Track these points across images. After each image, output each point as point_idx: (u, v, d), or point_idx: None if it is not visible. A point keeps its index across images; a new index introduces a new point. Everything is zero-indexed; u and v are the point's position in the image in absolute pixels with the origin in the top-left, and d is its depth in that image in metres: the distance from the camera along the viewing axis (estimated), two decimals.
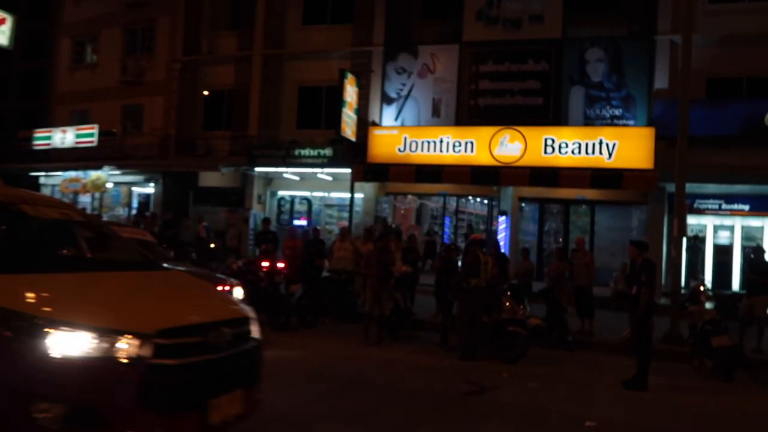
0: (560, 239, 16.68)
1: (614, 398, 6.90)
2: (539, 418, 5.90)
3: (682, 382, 7.87)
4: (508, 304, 8.75)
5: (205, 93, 20.83)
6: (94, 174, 20.42)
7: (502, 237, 16.10)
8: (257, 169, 18.50)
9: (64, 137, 21.38)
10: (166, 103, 21.08)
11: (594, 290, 10.73)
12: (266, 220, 14.22)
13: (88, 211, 21.02)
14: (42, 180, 23.21)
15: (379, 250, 9.29)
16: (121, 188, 22.31)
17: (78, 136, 21.08)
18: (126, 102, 21.84)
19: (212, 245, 14.80)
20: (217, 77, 20.53)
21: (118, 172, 20.42)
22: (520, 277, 11.57)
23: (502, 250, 13.18)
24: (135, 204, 22.31)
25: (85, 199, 22.54)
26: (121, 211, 21.67)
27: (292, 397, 6.13)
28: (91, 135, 20.72)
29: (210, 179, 19.87)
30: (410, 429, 5.30)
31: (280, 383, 6.67)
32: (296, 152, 17.36)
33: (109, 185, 21.11)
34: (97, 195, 21.86)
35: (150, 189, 21.46)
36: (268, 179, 19.64)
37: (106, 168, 20.07)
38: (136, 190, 22.46)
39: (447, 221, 17.97)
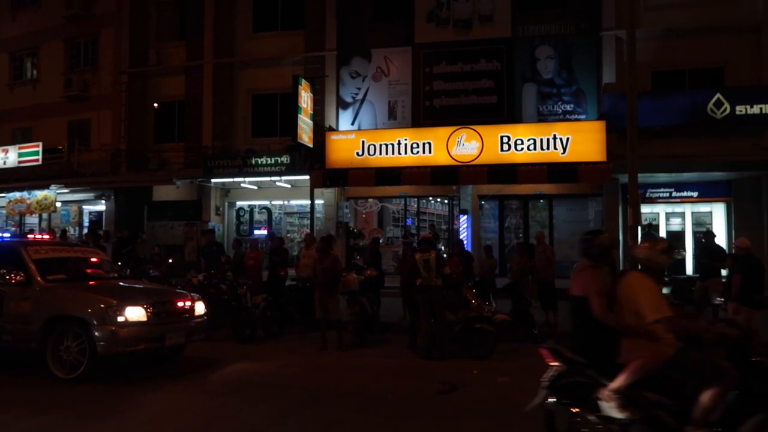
0: (521, 234, 16.93)
1: None
2: (511, 412, 5.91)
3: None
4: (474, 301, 8.81)
5: (156, 105, 20.33)
6: (40, 194, 19.62)
7: (465, 236, 16.23)
8: (213, 180, 18.13)
9: (6, 157, 20.48)
10: (114, 117, 20.45)
11: (556, 282, 10.90)
12: (209, 231, 13.49)
13: (36, 231, 20.23)
14: None
15: (319, 257, 9.32)
16: (70, 207, 21.51)
17: (21, 155, 20.22)
18: (72, 117, 21.07)
19: (170, 260, 14.42)
20: (167, 88, 20.06)
21: (66, 190, 19.67)
22: (484, 274, 11.67)
23: (466, 249, 13.28)
24: (86, 222, 21.57)
25: (32, 220, 21.67)
26: (72, 231, 20.89)
27: (261, 410, 5.99)
28: (36, 153, 19.92)
29: (165, 193, 19.38)
30: (388, 430, 5.25)
31: (249, 397, 6.53)
32: (253, 161, 17.09)
33: (58, 204, 20.33)
34: (45, 215, 21.03)
35: (101, 206, 20.77)
36: (226, 190, 19.29)
37: (53, 187, 19.31)
38: (87, 208, 21.69)
39: (409, 223, 17.99)
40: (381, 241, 18.13)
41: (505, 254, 16.55)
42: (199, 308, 7.92)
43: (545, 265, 10.82)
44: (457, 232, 16.60)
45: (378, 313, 10.47)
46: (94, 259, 8.82)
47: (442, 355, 8.36)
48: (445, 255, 11.89)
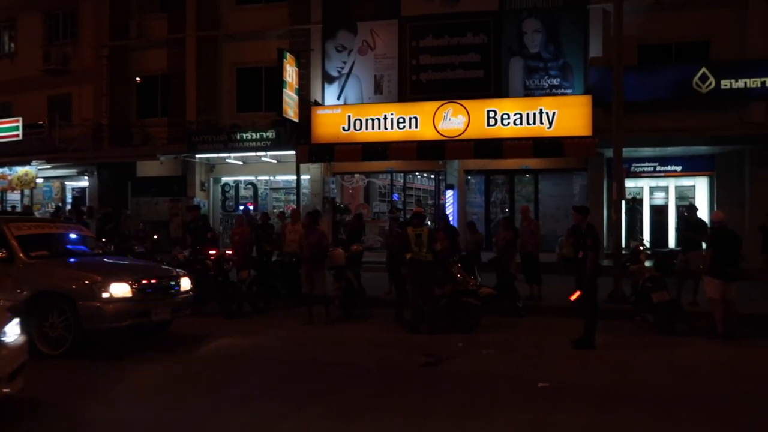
0: (506, 209, 17.02)
1: (565, 358, 7.13)
2: (495, 383, 6.03)
3: (627, 338, 8.20)
4: (459, 275, 8.87)
5: (138, 79, 19.97)
6: (21, 170, 19.34)
7: (451, 210, 16.29)
8: (198, 155, 17.98)
9: None
10: (96, 92, 20.07)
11: (540, 256, 11.02)
12: (195, 207, 13.33)
13: (18, 208, 19.98)
14: None
15: (306, 232, 9.33)
16: (52, 183, 21.24)
17: (0, 130, 19.86)
18: (52, 92, 20.63)
19: (155, 236, 14.33)
20: (150, 62, 19.70)
21: (48, 166, 19.37)
22: (470, 249, 11.75)
23: (452, 224, 13.33)
24: (69, 199, 21.32)
25: (14, 197, 21.37)
26: (53, 207, 20.65)
27: (251, 381, 6.05)
28: (15, 128, 19.55)
29: (149, 169, 19.17)
30: (371, 404, 5.32)
31: (237, 369, 6.59)
32: (238, 136, 16.94)
33: (39, 181, 20.06)
34: (26, 191, 20.75)
35: (84, 182, 20.51)
36: (210, 165, 19.13)
37: (34, 163, 19.02)
38: (69, 184, 21.43)
39: (395, 198, 18.00)
40: (368, 216, 18.18)
41: (491, 229, 16.65)
42: (185, 284, 7.91)
43: (530, 240, 10.91)
44: (443, 206, 16.64)
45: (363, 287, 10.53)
46: (77, 236, 8.73)
47: (430, 330, 8.43)
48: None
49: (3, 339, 4.78)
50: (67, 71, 20.31)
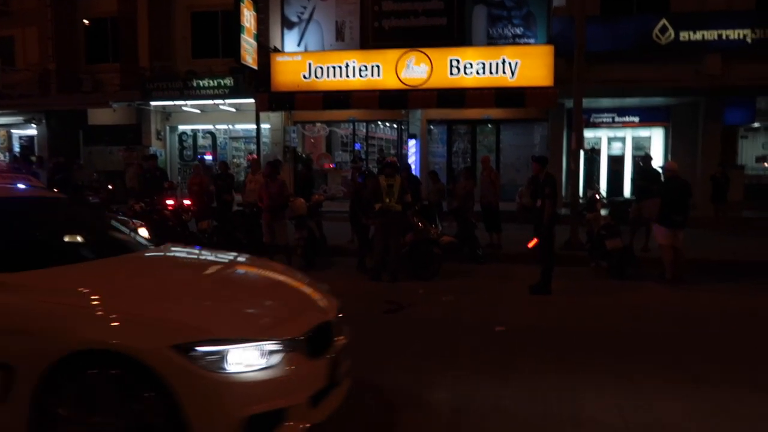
0: (468, 159, 17.11)
1: (522, 304, 7.36)
2: (454, 328, 6.20)
3: (581, 284, 8.50)
4: (420, 224, 8.95)
5: (86, 22, 18.91)
6: None
7: (413, 160, 16.28)
8: (153, 103, 17.33)
9: None
10: (41, 35, 18.97)
11: (500, 205, 11.19)
12: (151, 157, 12.94)
13: None
14: None
15: (266, 182, 9.25)
16: None
17: None
18: None
19: (110, 187, 13.92)
20: (98, 4, 18.62)
21: None
22: (431, 199, 11.83)
23: (414, 173, 13.34)
24: (17, 148, 20.41)
25: None
26: (1, 156, 19.78)
27: None
28: None
29: (101, 117, 18.43)
30: None
31: None
32: (194, 83, 16.37)
33: None
34: None
35: (32, 131, 19.64)
36: (166, 114, 18.51)
37: None
38: (16, 132, 20.48)
39: (358, 147, 17.85)
40: (330, 165, 18.03)
41: (453, 178, 16.76)
42: (142, 234, 7.73)
43: (490, 189, 11.05)
44: (406, 156, 16.62)
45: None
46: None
47: (392, 278, 8.54)
48: None
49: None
50: (8, 12, 19.08)
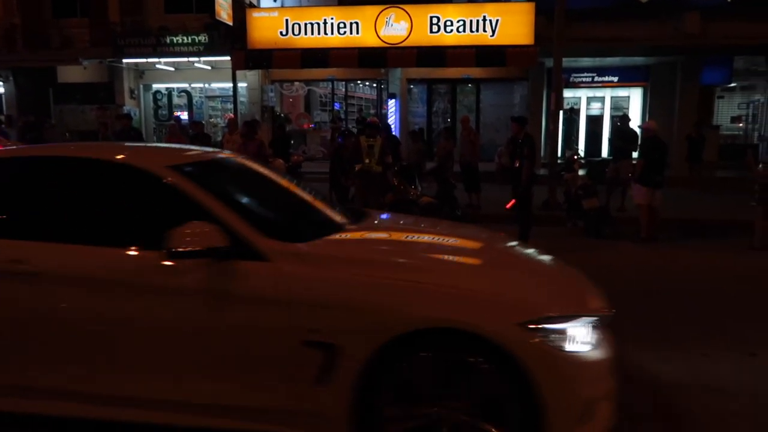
0: (448, 119, 17.05)
1: None
2: None
3: (557, 243, 8.61)
4: (400, 185, 8.95)
5: None
6: None
7: (393, 120, 16.17)
8: (125, 60, 16.83)
9: None
10: None
11: (480, 166, 11.23)
12: (125, 116, 12.53)
13: None
14: None
15: (244, 142, 9.18)
16: None
17: None
18: None
19: None
20: None
21: None
22: (411, 159, 11.81)
23: (393, 133, 13.28)
24: None
25: None
26: None
27: None
28: None
29: (71, 74, 17.85)
30: None
31: None
32: (168, 40, 15.89)
33: None
34: None
35: None
36: (139, 71, 18.00)
37: None
38: None
39: (337, 107, 17.65)
40: (309, 125, 17.83)
41: (433, 139, 16.72)
42: None
43: (469, 149, 11.05)
44: (386, 116, 16.48)
45: None
46: None
47: None
48: None
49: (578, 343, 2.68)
50: None
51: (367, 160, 8.47)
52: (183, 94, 18.31)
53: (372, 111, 17.96)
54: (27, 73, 17.89)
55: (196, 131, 11.80)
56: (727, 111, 18.06)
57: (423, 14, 14.93)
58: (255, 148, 9.09)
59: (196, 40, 15.75)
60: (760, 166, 8.67)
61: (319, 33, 15.32)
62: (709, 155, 14.55)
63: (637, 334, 4.80)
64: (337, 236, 3.20)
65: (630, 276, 6.90)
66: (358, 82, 17.92)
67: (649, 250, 8.18)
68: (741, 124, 18.34)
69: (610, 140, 15.76)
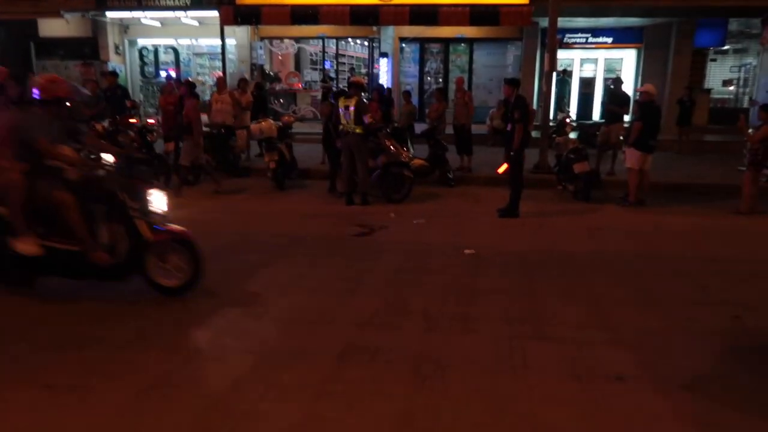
0: (440, 79, 16.85)
1: (491, 226, 7.54)
2: (424, 250, 6.35)
3: (548, 207, 8.71)
4: (391, 147, 8.91)
5: None
6: None
7: (385, 80, 15.95)
8: (109, 14, 16.34)
9: None
10: None
11: (472, 128, 11.18)
12: (111, 73, 12.23)
13: None
14: None
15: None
16: None
17: None
18: None
19: (67, 104, 13.33)
20: None
21: None
22: (403, 120, 11.72)
23: (385, 94, 13.12)
24: None
25: None
26: None
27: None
28: None
29: (54, 28, 17.33)
30: (307, 269, 5.51)
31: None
32: None
33: None
34: None
35: None
36: (124, 26, 17.53)
37: None
38: None
39: (328, 65, 17.36)
40: (299, 85, 17.57)
41: (425, 99, 16.56)
42: (107, 158, 7.51)
43: (462, 111, 10.97)
44: (377, 75, 16.27)
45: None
46: None
47: (362, 201, 8.58)
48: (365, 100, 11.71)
49: None
50: None
51: (344, 121, 8.37)
52: (170, 50, 17.89)
53: (363, 70, 17.71)
54: (7, 26, 17.33)
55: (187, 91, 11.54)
56: (719, 74, 17.99)
57: None
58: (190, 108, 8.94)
59: None
60: (750, 130, 8.73)
61: None
62: (699, 119, 14.55)
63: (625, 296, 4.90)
64: None
65: (613, 238, 7.01)
66: (350, 40, 17.59)
67: (636, 213, 8.28)
68: (732, 87, 18.28)
69: (603, 103, 15.69)
